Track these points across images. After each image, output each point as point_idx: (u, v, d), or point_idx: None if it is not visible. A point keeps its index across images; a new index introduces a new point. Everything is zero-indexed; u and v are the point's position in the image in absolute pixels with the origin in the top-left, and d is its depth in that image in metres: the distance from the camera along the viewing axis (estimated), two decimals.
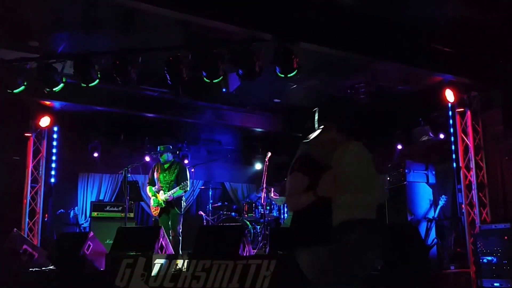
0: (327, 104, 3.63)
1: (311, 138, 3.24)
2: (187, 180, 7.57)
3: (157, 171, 7.78)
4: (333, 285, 2.92)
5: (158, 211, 7.56)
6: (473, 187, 7.56)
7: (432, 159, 8.82)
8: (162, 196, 7.50)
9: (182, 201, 7.60)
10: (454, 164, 7.83)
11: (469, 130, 7.68)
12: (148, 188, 7.86)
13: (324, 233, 3.04)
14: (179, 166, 7.71)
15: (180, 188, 7.41)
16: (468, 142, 7.70)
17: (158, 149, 7.82)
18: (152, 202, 7.71)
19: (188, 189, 7.64)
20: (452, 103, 7.77)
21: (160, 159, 7.78)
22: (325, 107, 3.41)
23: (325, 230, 3.05)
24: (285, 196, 3.40)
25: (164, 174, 7.67)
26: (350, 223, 2.99)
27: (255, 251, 7.69)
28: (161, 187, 7.60)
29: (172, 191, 7.42)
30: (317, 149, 3.25)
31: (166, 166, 7.72)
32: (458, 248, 7.69)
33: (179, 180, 7.53)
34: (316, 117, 3.34)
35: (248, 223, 9.00)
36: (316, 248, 3.09)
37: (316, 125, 3.30)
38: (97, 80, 6.47)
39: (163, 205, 7.49)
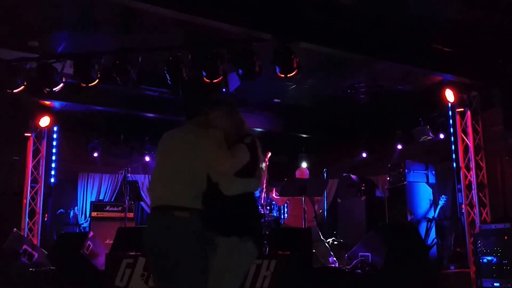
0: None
1: None
2: None
3: None
4: None
5: None
6: (473, 187, 7.55)
7: (432, 159, 8.82)
8: None
9: None
10: (454, 164, 7.83)
11: (469, 130, 7.68)
12: None
13: None
14: None
15: None
16: (468, 142, 7.70)
17: None
18: None
19: None
20: (452, 103, 7.76)
21: None
22: None
23: None
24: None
25: None
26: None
27: None
28: None
29: None
30: None
31: None
32: (458, 248, 7.69)
33: None
34: None
35: None
36: None
37: None
38: (97, 80, 6.47)
39: None
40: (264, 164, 3.45)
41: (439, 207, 8.03)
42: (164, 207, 3.06)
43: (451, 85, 7.52)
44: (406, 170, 8.47)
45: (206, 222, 3.06)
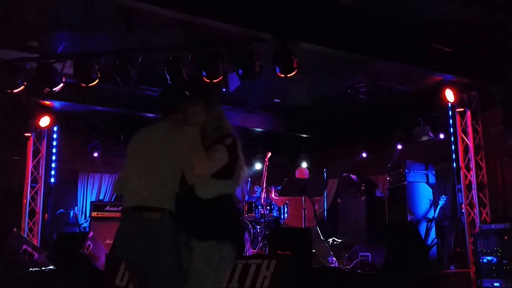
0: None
1: None
2: None
3: None
4: None
5: None
6: (473, 187, 7.55)
7: (432, 159, 8.81)
8: None
9: None
10: (454, 164, 7.83)
11: (469, 130, 7.68)
12: None
13: None
14: None
15: None
16: (468, 142, 7.70)
17: None
18: None
19: None
20: (452, 103, 7.76)
21: None
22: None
23: None
24: None
25: None
26: None
27: (255, 251, 7.69)
28: None
29: None
30: None
31: None
32: (458, 248, 7.69)
33: None
34: None
35: (248, 223, 9.00)
36: None
37: None
38: (97, 80, 6.47)
39: None
40: (245, 168, 3.34)
41: (439, 207, 8.03)
42: (134, 208, 2.94)
43: (451, 85, 7.52)
44: (406, 170, 8.47)
45: (181, 225, 2.96)
